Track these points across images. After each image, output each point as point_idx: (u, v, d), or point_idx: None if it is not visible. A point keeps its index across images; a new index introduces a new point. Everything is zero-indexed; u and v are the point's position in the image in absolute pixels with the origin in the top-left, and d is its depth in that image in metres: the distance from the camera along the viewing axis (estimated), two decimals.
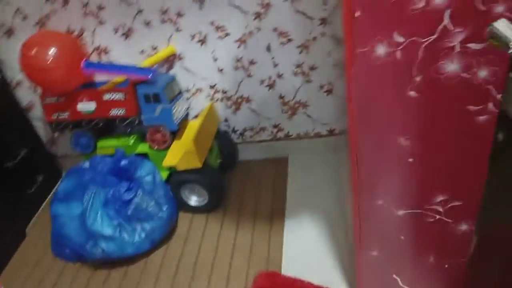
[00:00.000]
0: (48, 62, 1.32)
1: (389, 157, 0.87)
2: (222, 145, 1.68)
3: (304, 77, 1.56)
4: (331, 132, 1.70)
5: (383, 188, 0.91)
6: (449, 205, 0.91)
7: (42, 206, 1.74)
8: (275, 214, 1.52)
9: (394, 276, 1.08)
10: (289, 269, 1.31)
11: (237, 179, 1.71)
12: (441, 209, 0.92)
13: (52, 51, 1.34)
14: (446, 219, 0.94)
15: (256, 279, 1.25)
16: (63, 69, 1.37)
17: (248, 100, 1.65)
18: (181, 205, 1.56)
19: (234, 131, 1.74)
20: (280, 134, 1.74)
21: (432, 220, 0.94)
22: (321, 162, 1.70)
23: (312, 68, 1.53)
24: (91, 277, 1.42)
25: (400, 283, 1.09)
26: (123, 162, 1.42)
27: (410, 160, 0.85)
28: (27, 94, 1.71)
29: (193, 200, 1.56)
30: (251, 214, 1.54)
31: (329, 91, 1.59)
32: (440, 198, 0.90)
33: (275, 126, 1.72)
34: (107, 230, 1.35)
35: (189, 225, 1.55)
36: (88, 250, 1.37)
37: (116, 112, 1.50)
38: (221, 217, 1.55)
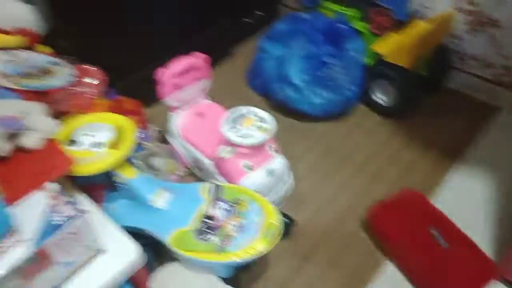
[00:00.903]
0: None
1: None
2: (437, 61, 1.54)
3: None
4: None
5: None
6: None
7: (252, 38, 1.93)
8: (451, 152, 1.41)
9: None
10: (439, 202, 1.23)
11: (432, 103, 1.58)
12: None
13: None
14: None
15: (401, 192, 1.23)
16: None
17: (497, 25, 1.42)
18: (364, 98, 1.55)
19: (457, 52, 1.56)
20: (506, 80, 1.50)
21: None
22: None
23: None
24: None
25: None
26: (340, 26, 1.43)
27: None
28: None
29: (378, 97, 1.53)
30: (427, 139, 1.45)
31: None
32: None
33: (506, 68, 1.47)
34: (296, 79, 1.44)
35: (362, 117, 1.55)
36: (274, 89, 1.50)
37: None
38: (396, 126, 1.51)
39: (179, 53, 1.56)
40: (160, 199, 1.04)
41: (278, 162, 1.15)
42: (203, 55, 1.24)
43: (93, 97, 1.17)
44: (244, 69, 1.75)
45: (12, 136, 0.88)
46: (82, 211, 0.80)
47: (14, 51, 1.17)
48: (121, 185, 1.09)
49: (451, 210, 1.16)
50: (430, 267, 1.04)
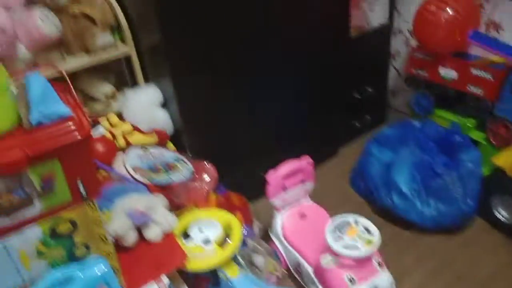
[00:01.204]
0: (444, 19, 1.36)
1: None
2: None
3: None
4: None
5: None
6: None
7: (357, 139, 1.96)
8: None
9: None
10: None
11: None
12: None
13: (450, 11, 1.37)
14: None
15: None
16: (452, 30, 1.38)
17: None
18: (483, 213, 1.41)
19: None
20: None
21: None
22: None
23: None
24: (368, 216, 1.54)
25: None
26: (455, 137, 1.38)
27: None
28: (398, 44, 1.85)
29: (503, 216, 1.38)
30: None
31: None
32: None
33: None
34: (404, 187, 1.40)
35: (481, 234, 1.40)
36: (380, 194, 1.47)
37: (474, 89, 1.43)
38: None
39: (285, 152, 1.66)
40: None
41: (383, 279, 1.08)
42: (309, 159, 1.30)
43: (207, 192, 1.29)
44: (347, 170, 1.76)
45: (138, 228, 1.00)
46: None
47: (148, 148, 1.37)
48: (224, 281, 1.13)
49: None
50: None
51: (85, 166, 0.72)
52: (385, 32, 1.83)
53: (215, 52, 1.32)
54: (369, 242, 1.05)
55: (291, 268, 1.30)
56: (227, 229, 1.11)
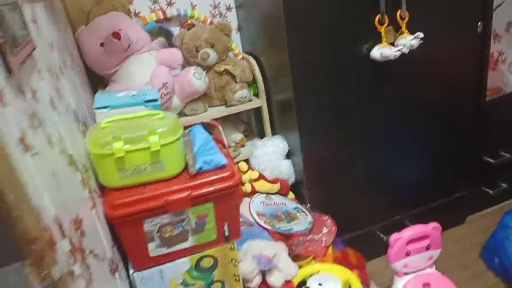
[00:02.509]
0: None
1: None
2: None
3: None
4: None
5: None
6: None
7: (489, 209, 1.79)
8: None
9: None
10: None
11: None
12: None
13: None
14: None
15: None
16: None
17: None
18: None
19: None
20: None
21: None
22: None
23: None
24: None
25: None
26: None
27: None
28: None
29: None
30: None
31: None
32: None
33: None
34: None
35: None
36: None
37: None
38: None
39: (408, 216, 1.59)
40: None
41: None
42: (436, 225, 1.23)
43: (325, 245, 1.30)
44: (477, 242, 1.60)
45: (262, 271, 1.05)
46: None
47: (271, 195, 1.45)
48: None
49: None
50: None
51: (232, 210, 0.81)
52: None
53: (341, 112, 1.38)
54: None
55: None
56: (345, 287, 1.10)
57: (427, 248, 1.24)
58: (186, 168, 0.79)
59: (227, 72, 1.51)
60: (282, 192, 1.49)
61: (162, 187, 0.74)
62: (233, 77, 1.52)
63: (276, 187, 1.46)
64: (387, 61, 1.25)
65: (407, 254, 1.22)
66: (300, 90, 1.33)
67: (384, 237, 1.57)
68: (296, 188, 1.51)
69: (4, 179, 0.29)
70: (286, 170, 1.49)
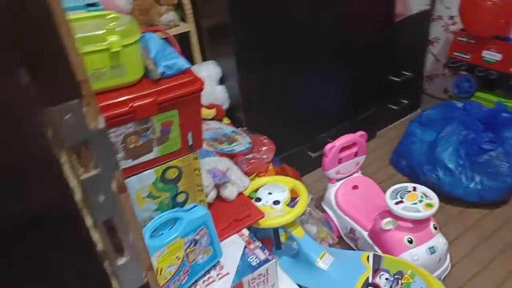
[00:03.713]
0: (490, 2, 1.43)
1: None
2: None
3: None
4: None
5: None
6: None
7: (395, 123, 2.03)
8: None
9: None
10: None
11: None
12: None
13: None
14: None
15: None
16: (497, 13, 1.45)
17: None
18: None
19: None
20: None
21: None
22: None
23: None
24: None
25: None
26: (501, 114, 1.45)
27: None
28: (437, 30, 1.92)
29: None
30: None
31: None
32: None
33: None
34: (450, 163, 1.47)
35: None
36: (424, 171, 1.54)
37: None
38: None
39: (330, 135, 1.74)
40: (324, 261, 1.12)
41: (439, 241, 1.15)
42: (362, 133, 1.37)
43: (267, 162, 1.36)
44: (387, 151, 1.83)
45: (216, 186, 1.08)
46: (272, 257, 0.92)
47: (208, 121, 1.45)
48: (286, 244, 1.21)
49: None
50: None
51: (195, 118, 0.80)
52: (425, 18, 1.90)
53: (274, 36, 1.41)
54: (429, 205, 1.12)
55: (342, 235, 1.38)
56: (292, 194, 1.19)
57: (355, 155, 1.38)
58: (145, 74, 0.74)
59: None
60: (217, 118, 1.50)
61: (125, 93, 0.69)
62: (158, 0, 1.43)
63: (212, 112, 1.46)
64: None
65: (339, 161, 1.35)
66: (236, 14, 1.31)
67: (312, 154, 1.71)
68: (230, 113, 1.53)
69: None
70: (220, 95, 1.49)
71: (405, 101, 1.99)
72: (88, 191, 0.27)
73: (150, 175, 0.80)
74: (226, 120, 1.53)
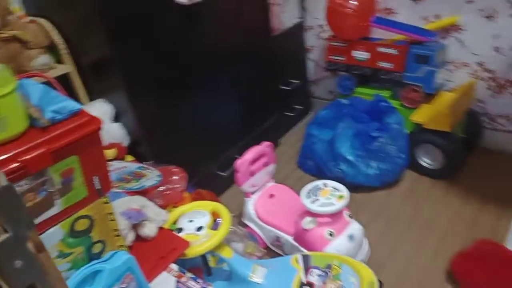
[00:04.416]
0: (350, 9, 1.61)
1: None
2: (469, 123, 1.70)
3: None
4: None
5: None
6: None
7: (293, 129, 2.15)
8: (507, 203, 1.49)
9: None
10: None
11: (472, 162, 1.71)
12: None
13: (354, 1, 1.62)
14: None
15: (476, 242, 1.29)
16: (358, 18, 1.64)
17: None
18: (411, 164, 1.68)
19: (486, 114, 1.73)
20: None
21: None
22: None
23: None
24: None
25: None
26: (381, 104, 1.63)
27: None
28: (311, 39, 2.10)
29: (426, 162, 1.66)
30: (481, 194, 1.54)
31: None
32: None
33: None
34: (350, 156, 1.60)
35: (414, 182, 1.67)
36: (329, 167, 1.65)
37: (384, 64, 1.71)
38: (448, 186, 1.61)
39: (237, 150, 1.77)
40: (257, 274, 1.12)
41: (356, 228, 1.24)
42: (268, 143, 1.42)
43: (181, 190, 1.33)
44: (291, 156, 1.93)
45: (134, 226, 1.02)
46: (206, 284, 0.90)
47: (110, 162, 1.37)
48: (216, 268, 1.18)
49: None
50: None
51: (99, 159, 0.75)
52: (298, 30, 2.06)
53: (162, 64, 1.40)
54: (341, 197, 1.20)
55: (269, 244, 1.40)
56: (214, 216, 1.17)
57: (265, 165, 1.42)
58: (32, 124, 0.68)
59: (15, 38, 1.29)
60: (119, 157, 1.42)
61: (12, 148, 0.62)
62: (24, 44, 1.31)
63: (113, 152, 1.38)
64: (196, 4, 1.32)
65: (252, 174, 1.38)
66: (118, 45, 1.27)
67: (223, 174, 1.71)
68: (132, 150, 1.46)
69: None
70: (118, 133, 1.42)
71: (299, 107, 2.13)
72: (1, 258, 0.23)
73: (56, 232, 0.72)
74: (129, 158, 1.46)
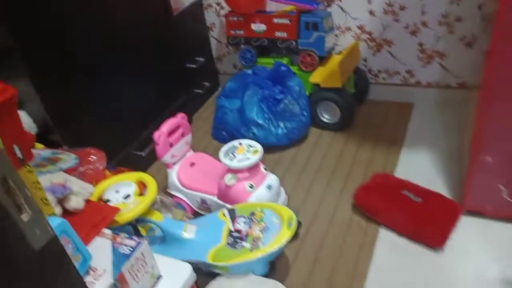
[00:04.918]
0: None
1: None
2: (358, 80, 1.95)
3: (448, 28, 1.74)
4: (461, 85, 1.84)
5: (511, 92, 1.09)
6: None
7: (204, 105, 2.23)
8: (394, 142, 1.76)
9: (500, 186, 1.25)
10: (402, 176, 1.53)
11: (364, 113, 1.97)
12: None
13: None
14: None
15: (373, 176, 1.52)
16: None
17: (389, 43, 1.88)
18: (314, 121, 1.88)
19: (370, 71, 2.00)
20: (411, 81, 1.94)
21: None
22: (445, 112, 1.87)
23: (458, 20, 1.70)
24: None
25: (505, 195, 1.26)
26: (282, 68, 1.78)
27: None
28: (212, 17, 2.18)
29: (326, 118, 1.87)
30: (373, 138, 1.80)
31: (468, 44, 1.74)
32: None
33: (408, 72, 1.92)
34: (259, 120, 1.74)
35: (318, 137, 1.87)
36: (242, 133, 1.77)
37: (280, 34, 1.86)
38: (346, 136, 1.84)
39: (152, 129, 1.80)
40: (189, 231, 1.20)
41: (273, 178, 1.38)
42: (182, 114, 1.48)
43: (101, 168, 1.34)
44: (205, 130, 2.02)
45: (60, 201, 1.02)
46: (142, 240, 0.95)
47: None
48: (149, 237, 1.24)
49: (412, 178, 1.47)
50: (413, 219, 1.31)
51: (17, 130, 0.76)
52: (198, 8, 2.13)
53: (68, 51, 1.38)
54: (255, 151, 1.32)
55: (196, 209, 1.48)
56: (140, 187, 1.21)
57: (182, 135, 1.49)
58: None
59: None
60: (30, 145, 1.37)
61: None
62: None
63: None
64: None
65: (171, 145, 1.44)
66: (20, 33, 1.22)
67: (141, 153, 1.74)
68: (42, 138, 1.42)
69: None
70: (25, 121, 1.36)
71: (207, 84, 2.21)
72: None
73: None
74: (39, 146, 1.41)
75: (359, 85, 1.96)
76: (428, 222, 1.29)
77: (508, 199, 1.26)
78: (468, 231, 1.31)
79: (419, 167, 1.60)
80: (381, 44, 1.90)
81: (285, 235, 1.13)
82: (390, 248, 1.31)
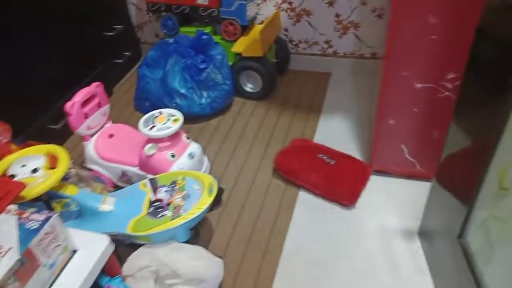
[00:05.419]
0: None
1: (417, 33, 1.13)
2: (279, 50, 1.99)
3: None
4: (373, 55, 1.96)
5: (409, 61, 1.19)
6: (456, 83, 1.18)
7: (125, 76, 2.13)
8: (313, 109, 1.84)
9: (402, 146, 1.37)
10: (319, 141, 1.62)
11: (284, 82, 2.02)
12: (450, 86, 1.20)
13: None
14: (452, 95, 1.21)
15: (292, 141, 1.59)
16: None
17: (308, 14, 1.93)
18: (237, 91, 1.89)
19: (290, 41, 2.04)
20: (329, 51, 2.02)
21: (441, 95, 1.22)
22: (360, 81, 1.98)
23: None
24: None
25: (406, 155, 1.39)
26: (203, 38, 1.75)
27: (433, 37, 1.12)
28: None
29: (248, 87, 1.89)
30: (293, 106, 1.86)
31: (380, 16, 1.84)
32: (450, 75, 1.18)
33: (326, 42, 2.00)
34: (182, 89, 1.71)
35: (241, 106, 1.89)
36: (165, 103, 1.73)
37: (201, 2, 1.82)
38: (268, 105, 1.88)
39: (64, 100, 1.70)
40: (108, 204, 1.18)
41: (195, 147, 1.38)
42: (97, 83, 1.41)
43: (5, 142, 1.24)
44: (127, 101, 1.94)
45: None
46: (52, 213, 0.92)
47: None
48: (64, 213, 1.18)
49: (328, 142, 1.56)
50: (327, 179, 1.40)
51: None
52: None
53: None
54: (176, 120, 1.31)
55: (116, 182, 1.44)
56: (51, 161, 1.15)
57: (99, 106, 1.42)
58: None
59: None
60: None
61: None
62: None
63: None
64: None
65: (86, 116, 1.37)
66: None
67: (55, 127, 1.64)
68: None
69: None
70: None
71: (127, 53, 2.11)
72: None
73: None
74: None
75: (280, 54, 2.00)
76: (340, 182, 1.39)
77: (409, 158, 1.39)
78: (376, 189, 1.43)
79: (335, 132, 1.70)
80: (300, 14, 1.94)
81: (206, 201, 1.15)
82: (308, 208, 1.39)
